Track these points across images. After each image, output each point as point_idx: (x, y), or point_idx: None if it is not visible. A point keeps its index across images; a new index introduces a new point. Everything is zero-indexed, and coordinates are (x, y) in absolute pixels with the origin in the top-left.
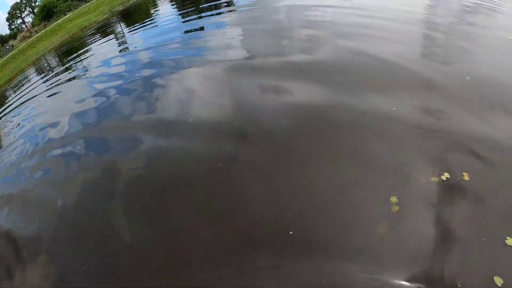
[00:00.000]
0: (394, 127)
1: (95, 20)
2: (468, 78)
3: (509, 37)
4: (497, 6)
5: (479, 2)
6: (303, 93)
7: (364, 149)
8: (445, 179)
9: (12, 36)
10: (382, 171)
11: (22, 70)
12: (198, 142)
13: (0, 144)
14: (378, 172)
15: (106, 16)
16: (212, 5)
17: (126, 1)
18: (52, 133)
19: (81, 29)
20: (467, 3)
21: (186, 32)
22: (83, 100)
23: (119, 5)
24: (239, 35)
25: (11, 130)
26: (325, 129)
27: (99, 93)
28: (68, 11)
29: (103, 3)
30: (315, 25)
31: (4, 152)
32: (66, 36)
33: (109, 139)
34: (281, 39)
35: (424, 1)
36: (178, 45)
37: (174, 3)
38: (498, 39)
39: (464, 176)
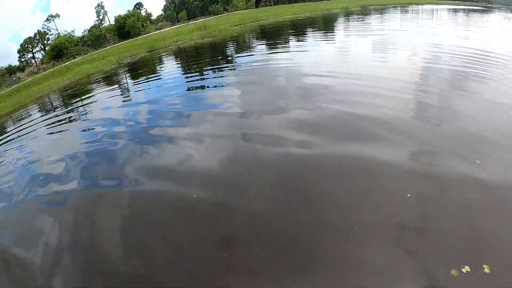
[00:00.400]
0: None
1: (102, 68)
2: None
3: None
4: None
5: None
6: (296, 145)
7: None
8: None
9: (21, 68)
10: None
11: (25, 105)
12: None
13: None
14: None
15: (113, 66)
16: (216, 67)
17: (134, 55)
18: (45, 172)
19: (87, 75)
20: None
21: (188, 89)
22: (81, 143)
23: (127, 57)
24: (238, 94)
25: None
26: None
27: (97, 139)
28: (78, 55)
29: (111, 53)
30: (311, 92)
31: None
32: (72, 79)
33: (100, 184)
34: (277, 99)
35: (415, 70)
36: (179, 100)
37: (179, 62)
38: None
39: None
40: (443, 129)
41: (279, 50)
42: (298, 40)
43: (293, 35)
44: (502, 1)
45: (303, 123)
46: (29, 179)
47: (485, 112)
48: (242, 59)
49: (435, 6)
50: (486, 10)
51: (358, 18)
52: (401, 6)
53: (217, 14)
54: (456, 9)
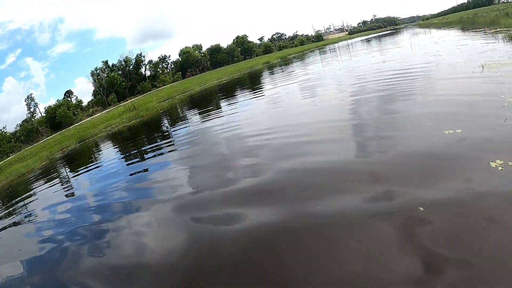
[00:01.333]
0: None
1: (33, 166)
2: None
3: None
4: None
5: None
6: (252, 217)
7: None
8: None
9: None
10: None
11: None
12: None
13: None
14: None
15: (44, 162)
16: (154, 146)
17: (65, 148)
18: None
19: (18, 176)
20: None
21: (131, 174)
22: (28, 247)
23: (58, 151)
24: (183, 172)
25: None
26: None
27: (44, 240)
28: (11, 152)
29: (44, 147)
30: (253, 153)
31: None
32: (6, 181)
33: None
34: (223, 171)
35: (346, 106)
36: (124, 187)
37: (116, 146)
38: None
39: None
40: (388, 161)
41: (213, 116)
42: (229, 103)
43: (222, 98)
44: (407, 20)
45: (255, 193)
46: None
47: (420, 131)
48: (179, 132)
49: (349, 41)
50: (395, 32)
51: (281, 69)
52: (318, 49)
53: (146, 92)
54: (368, 38)
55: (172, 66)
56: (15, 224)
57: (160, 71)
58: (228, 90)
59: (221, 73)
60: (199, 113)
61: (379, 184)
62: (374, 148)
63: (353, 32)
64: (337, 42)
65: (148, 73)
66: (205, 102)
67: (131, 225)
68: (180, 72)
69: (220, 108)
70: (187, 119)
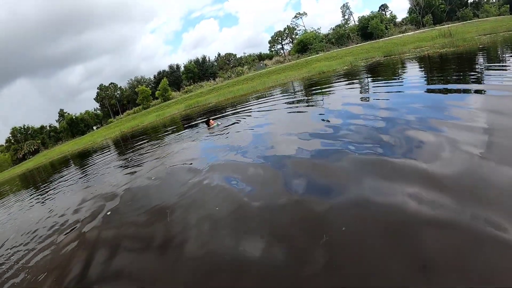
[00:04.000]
0: None
1: (335, 68)
2: None
3: None
4: None
5: None
6: None
7: None
8: None
9: (269, 56)
10: None
11: (273, 87)
12: None
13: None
14: None
15: (346, 67)
16: (459, 78)
17: (370, 58)
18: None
19: (319, 73)
20: None
21: (429, 91)
22: (317, 126)
23: (362, 59)
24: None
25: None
26: None
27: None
28: (321, 51)
29: (350, 53)
30: None
31: None
32: (309, 74)
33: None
34: None
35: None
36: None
37: (422, 69)
38: None
39: None
40: None
41: None
42: None
43: None
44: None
45: None
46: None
47: None
48: (496, 74)
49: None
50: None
51: None
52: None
53: (466, 20)
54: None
55: None
56: (311, 105)
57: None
58: None
59: None
60: None
61: None
62: None
63: None
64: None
65: None
66: None
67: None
68: (508, 5)
69: None
70: (506, 64)
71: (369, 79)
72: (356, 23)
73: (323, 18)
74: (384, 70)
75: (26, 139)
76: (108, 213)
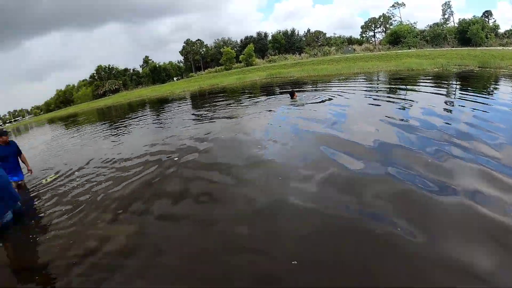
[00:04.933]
0: None
1: (425, 67)
2: None
3: None
4: None
5: None
6: None
7: None
8: None
9: (359, 42)
10: None
11: (356, 73)
12: None
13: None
14: None
15: (436, 69)
16: None
17: (463, 65)
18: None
19: (408, 69)
20: None
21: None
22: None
23: (455, 65)
24: None
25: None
26: None
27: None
28: (413, 46)
29: (443, 55)
30: None
31: None
32: (397, 68)
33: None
34: None
35: None
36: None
37: None
38: None
39: None
40: None
41: None
42: None
43: None
44: None
45: None
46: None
47: None
48: None
49: None
50: None
51: None
52: None
53: None
54: None
55: None
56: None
57: None
58: None
59: None
60: None
61: None
62: None
63: None
64: None
65: None
66: None
67: None
68: None
69: None
70: None
71: (457, 87)
72: (456, 25)
73: (421, 12)
74: (476, 81)
75: (109, 78)
76: (175, 158)
